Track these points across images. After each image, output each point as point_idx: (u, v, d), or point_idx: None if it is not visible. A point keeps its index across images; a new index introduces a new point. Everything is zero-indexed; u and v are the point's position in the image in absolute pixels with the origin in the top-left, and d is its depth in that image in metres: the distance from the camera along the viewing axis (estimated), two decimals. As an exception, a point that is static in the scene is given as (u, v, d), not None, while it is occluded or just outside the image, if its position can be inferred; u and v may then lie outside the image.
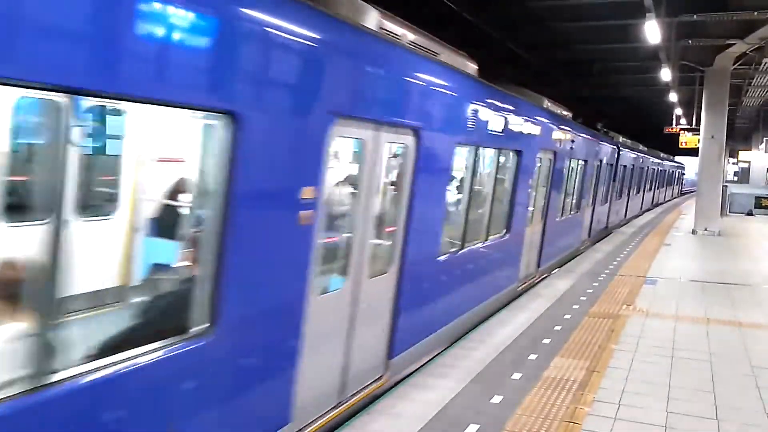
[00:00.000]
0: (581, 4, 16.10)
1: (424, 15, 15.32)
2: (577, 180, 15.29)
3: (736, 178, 44.07)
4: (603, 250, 16.57)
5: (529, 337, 7.91)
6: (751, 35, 17.08)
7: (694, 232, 21.20)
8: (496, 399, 5.81)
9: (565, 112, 13.92)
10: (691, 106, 26.15)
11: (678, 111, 28.79)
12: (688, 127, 27.40)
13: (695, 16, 15.75)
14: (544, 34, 18.44)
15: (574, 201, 15.25)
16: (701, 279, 12.85)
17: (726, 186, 29.91)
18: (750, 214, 30.78)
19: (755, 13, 15.05)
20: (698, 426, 5.50)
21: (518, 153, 9.65)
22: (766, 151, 37.17)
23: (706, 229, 21.00)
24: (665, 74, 19.03)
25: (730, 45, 18.47)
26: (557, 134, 12.14)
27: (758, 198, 31.87)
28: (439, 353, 7.24)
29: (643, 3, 12.07)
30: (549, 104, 12.35)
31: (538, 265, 12.12)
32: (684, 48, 18.66)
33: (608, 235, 20.12)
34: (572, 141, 13.45)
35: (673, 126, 28.68)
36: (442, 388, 6.02)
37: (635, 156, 25.88)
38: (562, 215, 13.82)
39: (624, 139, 24.30)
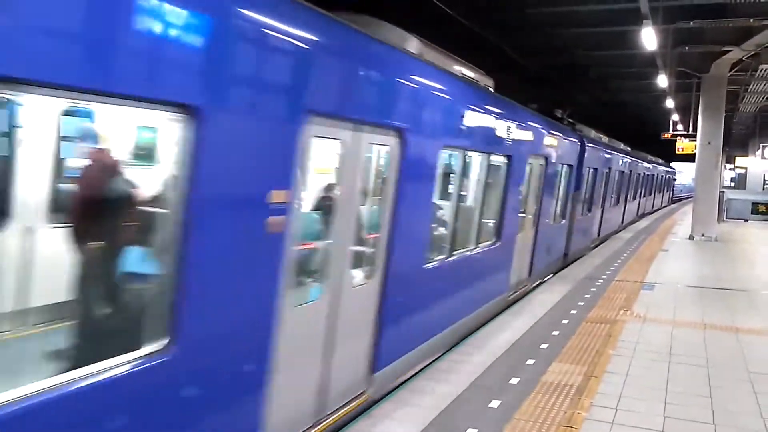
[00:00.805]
0: (579, 11, 16.18)
1: (421, 19, 15.43)
2: (492, 188, 9.18)
3: (733, 184, 44.23)
4: (601, 255, 16.61)
5: (527, 342, 7.94)
6: (747, 42, 17.19)
7: (691, 237, 21.27)
8: (495, 403, 5.84)
9: (470, 74, 8.32)
10: (688, 112, 26.25)
11: (675, 117, 28.89)
12: (685, 133, 27.50)
13: (692, 23, 15.84)
14: (541, 40, 18.53)
15: (488, 223, 9.18)
16: (698, 284, 12.89)
17: (723, 192, 30.01)
18: (745, 220, 30.89)
19: (751, 20, 15.16)
20: (695, 430, 5.53)
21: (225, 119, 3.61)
22: (762, 157, 37.34)
23: (703, 235, 21.07)
24: (662, 81, 19.13)
25: (727, 52, 18.58)
26: (425, 102, 6.42)
27: (755, 204, 31.98)
28: (437, 358, 7.26)
29: (640, 10, 12.15)
30: (429, 50, 7.02)
31: (373, 370, 5.81)
32: (681, 54, 18.77)
33: (570, 265, 14.90)
34: (474, 122, 7.77)
35: (670, 132, 28.78)
36: (441, 392, 6.05)
37: (610, 156, 19.95)
38: (450, 252, 7.63)
39: (597, 135, 19.16)
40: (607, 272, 13.71)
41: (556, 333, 8.43)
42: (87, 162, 4.31)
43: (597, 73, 23.96)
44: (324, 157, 5.08)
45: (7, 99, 3.37)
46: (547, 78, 23.34)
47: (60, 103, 3.56)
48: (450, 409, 5.68)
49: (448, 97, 7.06)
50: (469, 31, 16.17)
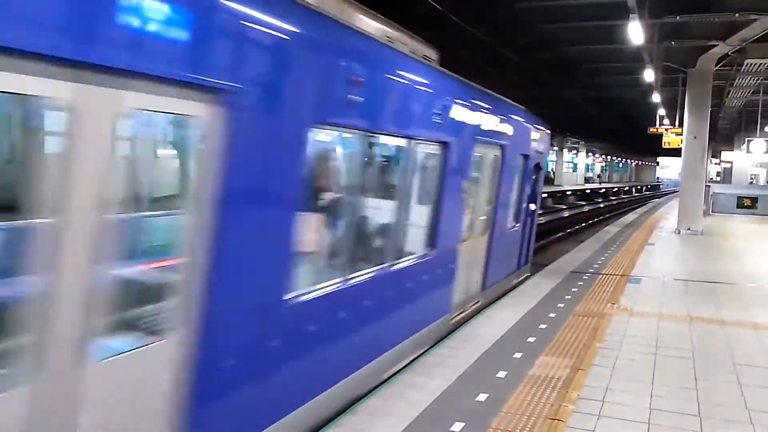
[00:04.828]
0: (566, 5, 16.24)
1: (411, 16, 15.39)
2: None
3: (719, 178, 44.57)
4: (588, 249, 16.68)
5: (514, 336, 7.95)
6: (732, 37, 17.29)
7: (677, 231, 21.40)
8: (482, 397, 5.83)
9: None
10: (674, 106, 26.40)
11: (662, 111, 29.05)
12: (672, 127, 27.67)
13: (678, 18, 15.92)
14: (530, 36, 18.57)
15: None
16: (684, 278, 12.97)
17: (709, 186, 30.20)
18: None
19: (737, 15, 15.24)
20: (681, 422, 5.55)
21: None
22: (747, 152, 37.62)
23: (689, 229, 21.21)
24: (649, 75, 19.21)
25: (713, 46, 18.69)
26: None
27: (740, 198, 32.22)
28: (424, 352, 7.26)
29: (627, 4, 12.18)
30: None
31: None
32: (667, 49, 18.86)
33: None
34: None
35: (657, 126, 28.95)
36: (428, 386, 6.04)
37: None
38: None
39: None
40: (594, 266, 13.76)
41: (543, 326, 8.44)
42: None
43: (586, 69, 24.04)
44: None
45: None
46: (538, 75, 23.40)
47: None
48: (437, 403, 5.67)
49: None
50: (460, 29, 16.17)
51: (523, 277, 12.35)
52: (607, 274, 12.75)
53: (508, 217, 10.78)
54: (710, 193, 30.36)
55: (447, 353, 7.13)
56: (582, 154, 70.86)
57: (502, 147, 9.64)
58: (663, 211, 34.35)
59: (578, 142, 64.96)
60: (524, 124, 11.05)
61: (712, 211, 30.29)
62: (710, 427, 5.49)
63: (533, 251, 13.55)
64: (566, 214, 38.04)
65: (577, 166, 70.57)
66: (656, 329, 8.65)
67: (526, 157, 11.28)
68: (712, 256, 16.50)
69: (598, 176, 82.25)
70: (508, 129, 9.89)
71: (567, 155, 66.70)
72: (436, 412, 5.47)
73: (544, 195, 42.51)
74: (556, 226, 28.97)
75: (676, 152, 26.08)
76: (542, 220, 32.00)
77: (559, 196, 46.74)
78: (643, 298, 10.65)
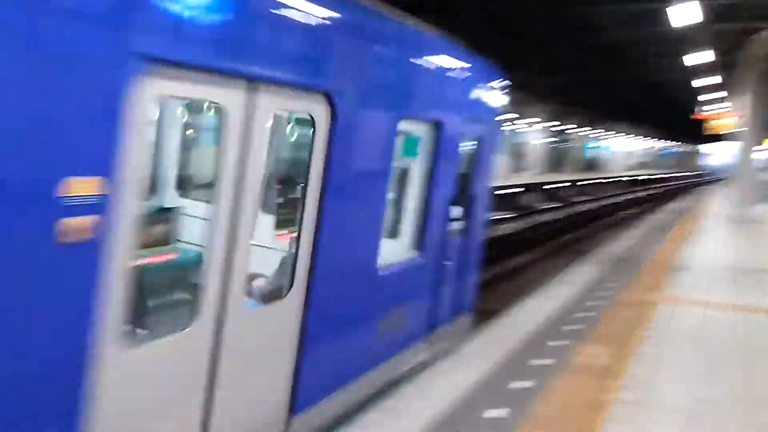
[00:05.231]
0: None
1: (452, 1, 15.32)
2: None
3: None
4: (634, 236, 16.42)
5: (556, 324, 7.93)
6: (787, 18, 16.75)
7: (727, 218, 20.91)
8: (522, 384, 5.85)
9: None
10: (725, 91, 25.67)
11: (708, 96, 28.28)
12: (723, 112, 26.91)
13: (730, -1, 15.50)
14: (573, 19, 18.28)
15: None
16: (733, 266, 12.69)
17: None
18: None
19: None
20: (724, 413, 5.49)
21: None
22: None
23: (739, 216, 20.69)
24: (697, 58, 18.74)
25: (765, 28, 18.12)
26: None
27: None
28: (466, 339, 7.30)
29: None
30: None
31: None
32: (718, 32, 18.35)
33: None
34: None
35: (705, 112, 28.18)
36: (468, 372, 6.08)
37: None
38: None
39: None
40: (640, 253, 13.57)
41: (585, 315, 8.39)
42: None
43: (629, 53, 23.54)
44: None
45: None
46: (582, 60, 23.02)
47: None
48: (477, 389, 5.71)
49: None
50: (501, 12, 16.03)
51: (453, 340, 7.13)
52: (652, 261, 12.56)
53: (383, 243, 5.47)
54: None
55: (488, 340, 7.16)
56: (631, 138, 69.68)
57: (329, 97, 4.38)
58: (711, 198, 33.51)
59: (627, 128, 63.91)
60: (431, 62, 6.08)
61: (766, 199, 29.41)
62: (754, 418, 5.42)
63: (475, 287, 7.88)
64: (611, 201, 37.49)
65: (627, 153, 69.54)
66: (702, 318, 8.51)
67: (437, 126, 6.15)
68: (763, 244, 16.09)
69: (650, 163, 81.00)
70: (361, 67, 4.85)
71: (615, 141, 65.66)
72: (475, 397, 5.50)
73: (587, 182, 41.94)
74: (601, 213, 28.59)
75: (718, 138, 25.42)
76: (584, 208, 31.67)
77: (605, 183, 46.08)
78: (689, 286, 10.48)
